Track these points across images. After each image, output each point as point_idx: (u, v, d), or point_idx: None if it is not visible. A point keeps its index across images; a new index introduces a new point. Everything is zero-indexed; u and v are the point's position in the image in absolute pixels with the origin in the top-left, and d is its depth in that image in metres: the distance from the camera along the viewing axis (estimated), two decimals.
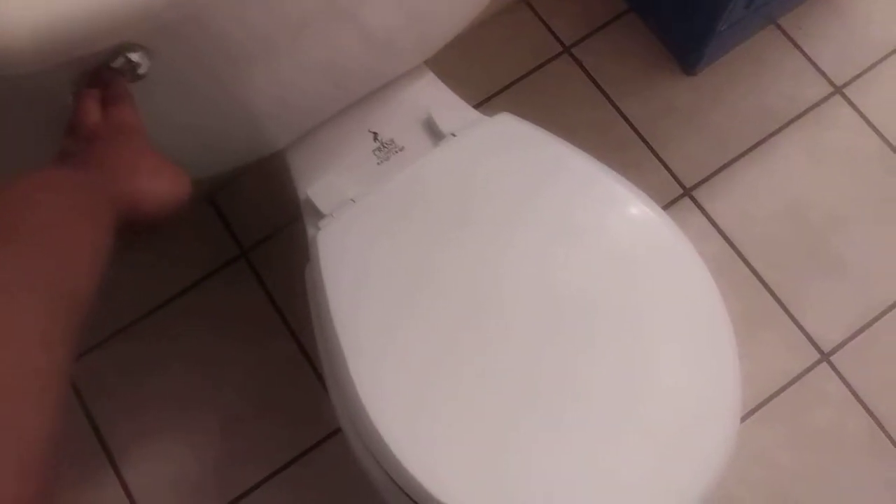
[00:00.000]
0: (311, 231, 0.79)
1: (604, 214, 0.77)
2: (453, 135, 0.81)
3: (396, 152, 0.83)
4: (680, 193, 1.28)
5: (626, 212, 0.77)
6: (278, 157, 0.85)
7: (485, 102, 1.32)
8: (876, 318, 1.21)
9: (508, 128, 0.80)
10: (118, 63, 0.55)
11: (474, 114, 0.83)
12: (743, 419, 1.13)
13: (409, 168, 0.79)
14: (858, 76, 1.35)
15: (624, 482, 0.67)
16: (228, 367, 1.18)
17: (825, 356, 1.19)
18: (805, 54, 1.36)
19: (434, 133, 0.83)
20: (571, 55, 1.36)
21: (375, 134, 0.84)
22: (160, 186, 0.51)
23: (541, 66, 1.36)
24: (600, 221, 0.76)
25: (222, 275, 1.24)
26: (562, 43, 1.37)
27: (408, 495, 0.68)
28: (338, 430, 1.14)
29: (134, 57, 0.55)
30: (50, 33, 0.50)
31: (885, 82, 1.34)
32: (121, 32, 0.53)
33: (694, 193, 1.28)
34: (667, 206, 1.27)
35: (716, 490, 0.71)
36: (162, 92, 0.61)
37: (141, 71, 0.56)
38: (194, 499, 1.12)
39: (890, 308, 1.22)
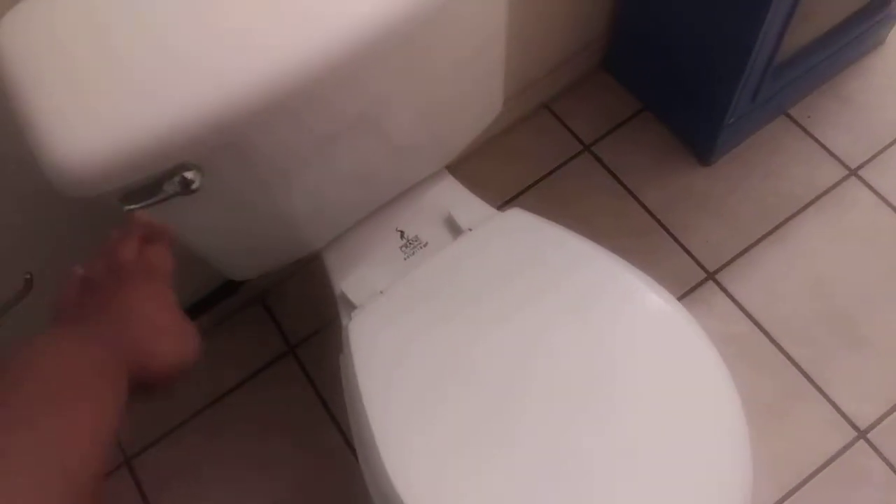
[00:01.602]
0: (345, 322, 0.87)
1: (615, 300, 0.83)
2: (470, 230, 0.89)
3: (421, 248, 0.92)
4: (703, 278, 1.33)
5: (638, 299, 0.83)
6: (320, 259, 0.95)
7: (512, 200, 1.41)
8: None
9: (519, 221, 0.89)
10: (175, 181, 0.66)
11: (490, 210, 0.92)
12: (782, 500, 1.14)
13: (430, 261, 0.87)
14: (872, 158, 1.40)
15: None
16: (279, 458, 1.25)
17: (862, 433, 1.19)
18: (817, 140, 1.43)
19: (454, 229, 0.92)
20: (591, 152, 1.46)
21: (402, 232, 0.93)
22: (172, 348, 0.50)
23: (563, 164, 1.45)
24: (612, 309, 0.82)
25: (273, 370, 1.32)
26: (581, 142, 1.47)
27: None
28: None
29: (189, 175, 0.66)
30: (115, 161, 0.60)
31: None
32: (176, 156, 0.63)
33: (717, 277, 1.33)
34: (691, 291, 1.32)
35: None
36: (212, 202, 0.72)
37: (194, 186, 0.67)
38: None
39: None
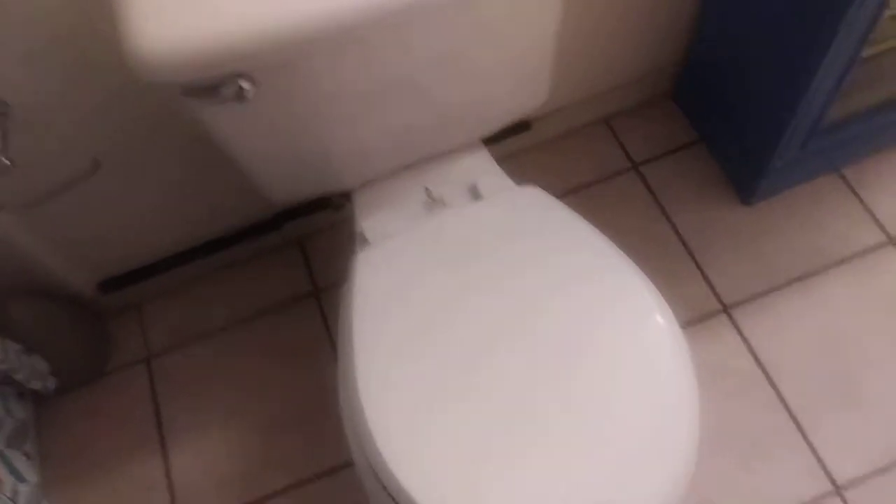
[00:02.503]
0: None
1: (596, 273, 0.89)
2: (486, 198, 0.96)
3: (442, 207, 0.99)
4: (718, 309, 1.36)
5: (616, 275, 0.89)
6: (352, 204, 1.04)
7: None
8: (895, 462, 1.21)
9: (534, 197, 0.95)
10: (231, 86, 0.75)
11: (511, 183, 0.99)
12: None
13: (445, 218, 0.95)
14: None
15: (592, 495, 0.76)
16: (280, 385, 1.34)
17: (838, 489, 1.20)
18: (863, 202, 1.44)
19: (476, 196, 0.99)
20: (638, 171, 1.51)
21: (428, 190, 1.01)
22: None
23: (609, 177, 1.51)
24: (590, 278, 0.88)
25: (295, 307, 1.42)
26: (631, 160, 1.52)
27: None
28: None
29: (244, 84, 0.75)
30: (186, 56, 0.70)
31: None
32: (236, 63, 0.73)
33: (732, 311, 1.35)
34: (703, 319, 1.35)
35: None
36: (260, 116, 0.81)
37: (247, 95, 0.76)
38: (220, 491, 1.26)
39: None
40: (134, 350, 1.39)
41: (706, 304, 1.36)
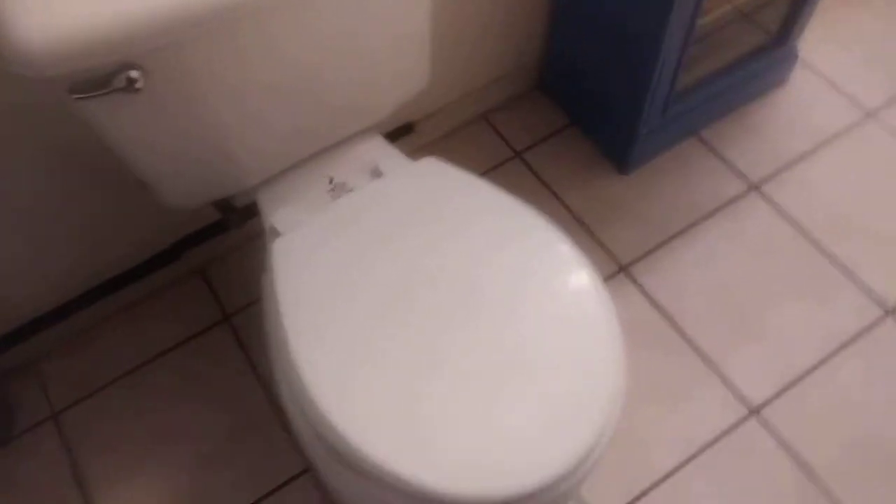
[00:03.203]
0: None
1: (510, 226, 0.93)
2: (388, 174, 1.00)
3: (347, 192, 1.01)
4: (616, 269, 1.44)
5: (522, 222, 0.93)
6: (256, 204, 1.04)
7: None
8: (799, 378, 1.32)
9: (433, 166, 0.99)
10: (122, 77, 0.75)
11: (408, 160, 1.03)
12: (678, 468, 1.23)
13: (350, 198, 0.97)
14: (772, 176, 1.55)
15: (516, 433, 0.78)
16: (202, 419, 1.29)
17: (754, 411, 1.29)
18: (723, 159, 1.58)
19: (378, 176, 1.01)
20: (522, 159, 1.59)
21: (331, 178, 1.03)
22: None
23: (496, 167, 1.58)
24: (505, 231, 0.92)
25: (207, 336, 1.38)
26: (513, 149, 1.60)
27: (336, 450, 0.79)
28: (298, 475, 1.23)
29: (134, 74, 0.75)
30: (59, 45, 0.69)
31: (795, 181, 1.54)
32: (123, 50, 0.73)
33: (630, 270, 1.44)
34: (605, 280, 1.42)
35: (606, 447, 0.81)
36: (154, 109, 0.81)
37: (138, 85, 0.76)
38: None
39: (811, 369, 1.33)
40: (38, 409, 1.30)
41: (606, 268, 1.44)
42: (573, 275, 0.89)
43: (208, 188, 0.97)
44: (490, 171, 1.57)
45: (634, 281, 1.43)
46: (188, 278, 1.43)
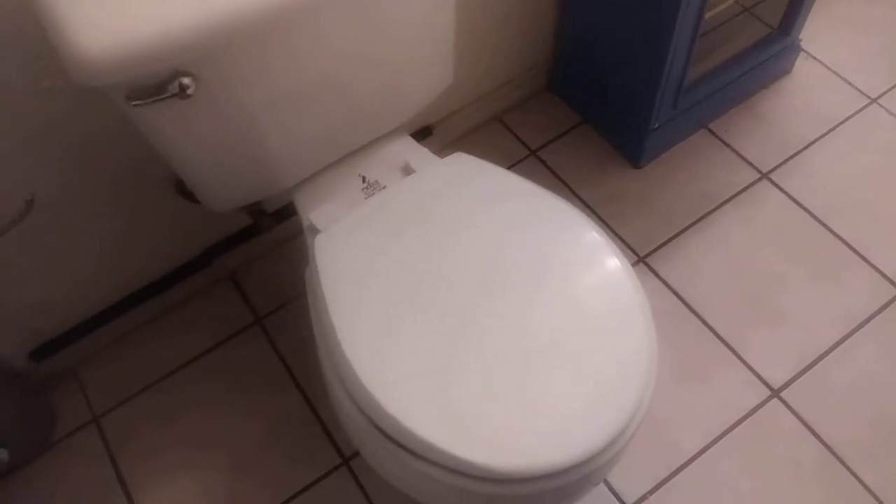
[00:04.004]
0: (310, 245, 0.99)
1: (534, 209, 0.97)
2: (418, 170, 1.04)
3: (380, 190, 1.05)
4: (635, 261, 1.48)
5: (555, 210, 0.97)
6: (292, 205, 1.08)
7: None
8: (818, 359, 1.35)
9: (464, 160, 1.04)
10: (175, 83, 0.79)
11: (437, 157, 1.07)
12: (704, 450, 1.26)
13: (384, 194, 1.01)
14: (781, 164, 1.59)
15: (550, 410, 0.81)
16: (238, 420, 1.32)
17: (776, 392, 1.32)
18: (733, 149, 1.62)
19: (408, 173, 1.06)
20: (537, 157, 1.63)
21: (364, 177, 1.07)
22: None
23: (513, 165, 1.62)
24: (532, 215, 0.96)
25: (239, 339, 1.42)
26: (528, 148, 1.64)
27: (381, 430, 0.82)
28: (332, 470, 1.27)
29: (186, 80, 0.80)
30: (116, 55, 0.73)
31: (804, 168, 1.58)
32: (176, 58, 0.77)
33: (647, 260, 1.48)
34: None
35: (636, 430, 0.84)
36: (203, 113, 0.85)
37: (189, 91, 0.80)
38: None
39: (830, 349, 1.36)
40: (79, 414, 1.34)
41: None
42: (606, 259, 0.93)
43: (250, 190, 1.01)
44: (510, 168, 1.60)
45: (653, 271, 1.46)
46: (220, 284, 1.47)
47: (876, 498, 1.22)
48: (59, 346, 1.33)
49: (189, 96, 0.81)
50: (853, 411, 1.30)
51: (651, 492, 1.24)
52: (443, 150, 1.63)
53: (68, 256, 1.22)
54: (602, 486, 1.24)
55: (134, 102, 0.79)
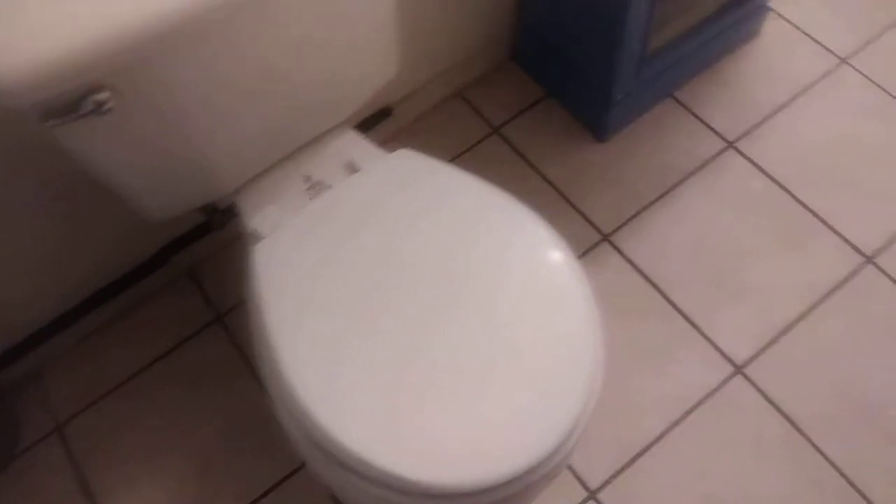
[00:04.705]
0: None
1: (486, 213, 0.95)
2: (363, 169, 1.01)
3: (324, 190, 1.02)
4: (599, 239, 1.46)
5: (498, 208, 0.95)
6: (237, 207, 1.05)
7: None
8: (782, 333, 1.35)
9: (408, 157, 1.01)
10: (91, 99, 0.76)
11: (382, 152, 1.04)
12: (668, 430, 1.26)
13: (327, 195, 0.98)
14: (747, 133, 1.56)
15: (496, 419, 0.80)
16: (203, 419, 1.32)
17: (739, 369, 1.32)
18: (699, 118, 1.59)
19: (353, 171, 1.03)
20: (500, 135, 1.59)
21: (308, 176, 1.04)
22: None
23: (475, 145, 1.58)
24: (481, 217, 0.94)
25: (201, 338, 1.40)
26: (491, 125, 1.60)
27: (321, 446, 0.81)
28: (299, 468, 1.26)
29: (102, 95, 0.76)
30: (22, 76, 0.70)
31: (772, 135, 1.56)
32: (90, 72, 0.73)
33: (612, 238, 1.46)
34: (588, 251, 1.44)
35: (584, 427, 0.83)
36: (126, 127, 0.82)
37: (108, 106, 0.77)
38: None
39: (794, 323, 1.36)
40: (42, 423, 1.33)
41: (588, 238, 1.46)
42: (548, 254, 0.91)
43: (188, 197, 0.99)
44: (469, 148, 1.57)
45: (617, 248, 1.45)
46: (178, 282, 1.45)
47: (840, 472, 1.23)
48: (19, 354, 1.31)
49: (108, 111, 0.77)
50: (818, 385, 1.30)
51: (615, 475, 1.24)
52: (401, 132, 1.59)
53: (19, 260, 1.19)
54: (566, 473, 1.24)
55: (47, 123, 0.76)
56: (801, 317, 1.36)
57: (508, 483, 0.76)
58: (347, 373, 0.83)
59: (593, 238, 1.46)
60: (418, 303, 0.88)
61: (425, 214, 0.95)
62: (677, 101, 1.61)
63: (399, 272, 0.90)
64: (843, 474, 1.23)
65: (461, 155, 1.57)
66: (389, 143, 1.57)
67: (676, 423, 1.28)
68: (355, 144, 1.07)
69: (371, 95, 1.08)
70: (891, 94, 1.60)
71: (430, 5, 1.41)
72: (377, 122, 1.53)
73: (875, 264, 1.41)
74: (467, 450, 0.78)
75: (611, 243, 1.45)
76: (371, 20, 0.96)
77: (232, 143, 0.95)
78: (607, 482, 1.24)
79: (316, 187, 1.03)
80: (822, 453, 1.25)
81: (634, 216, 1.48)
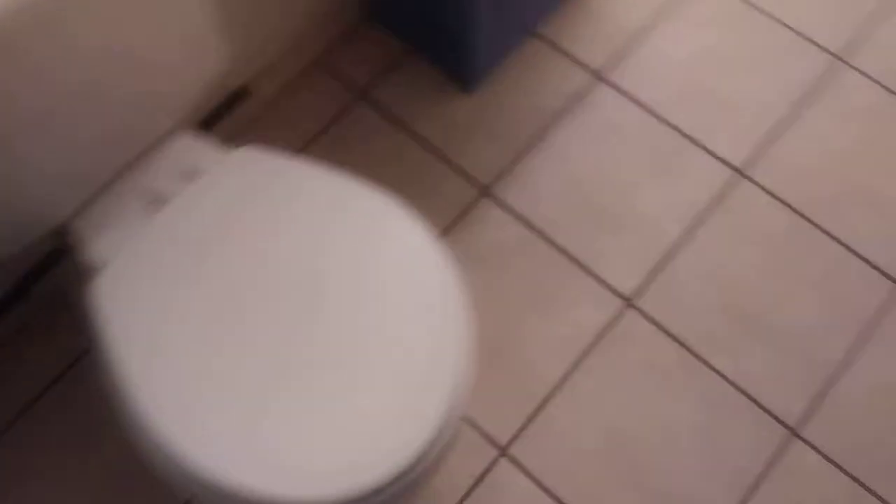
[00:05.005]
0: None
1: (328, 206, 0.91)
2: (204, 175, 0.95)
3: (163, 203, 0.97)
4: (478, 194, 1.44)
5: (350, 202, 0.92)
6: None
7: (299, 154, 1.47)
8: (666, 259, 1.37)
9: (249, 158, 0.96)
10: None
11: (222, 154, 0.98)
12: (568, 375, 1.27)
13: (170, 210, 0.93)
14: (614, 62, 1.55)
15: (364, 425, 0.79)
16: (87, 460, 1.25)
17: (629, 301, 1.34)
18: (565, 52, 1.56)
19: (192, 179, 0.97)
20: (367, 99, 1.54)
21: (145, 191, 0.98)
22: None
23: (341, 114, 1.52)
24: (327, 213, 0.91)
25: (77, 370, 1.32)
26: (356, 91, 1.54)
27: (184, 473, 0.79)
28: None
29: None
30: None
31: (638, 60, 1.55)
32: None
33: (492, 190, 1.44)
34: (470, 208, 1.43)
35: (456, 422, 0.83)
36: None
37: None
38: None
39: (677, 247, 1.38)
40: None
41: (468, 194, 1.44)
42: (407, 244, 0.89)
43: (17, 234, 0.92)
44: (337, 121, 1.52)
45: (498, 200, 1.43)
46: (44, 312, 1.37)
47: (736, 386, 1.28)
48: None
49: None
50: (703, 304, 1.33)
51: (523, 428, 1.26)
52: (263, 112, 1.52)
53: None
54: (474, 435, 1.25)
55: None
56: (683, 239, 1.38)
57: (377, 492, 0.75)
58: (209, 398, 0.80)
59: (474, 194, 1.44)
60: (278, 314, 0.84)
61: (275, 219, 0.90)
62: (541, 38, 1.58)
63: (254, 284, 0.86)
64: (738, 387, 1.27)
65: (330, 127, 1.51)
66: (253, 125, 1.50)
67: (575, 364, 1.30)
68: (192, 148, 1.01)
69: (199, 91, 1.02)
70: (746, 1, 1.60)
71: None
72: (235, 105, 1.46)
73: (747, 177, 1.44)
74: (331, 460, 0.76)
75: (490, 196, 1.44)
76: (179, 14, 0.89)
77: (51, 163, 0.87)
78: (516, 436, 1.25)
79: (156, 202, 0.97)
80: (717, 371, 1.29)
81: (512, 164, 1.47)
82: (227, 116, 1.45)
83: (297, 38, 1.50)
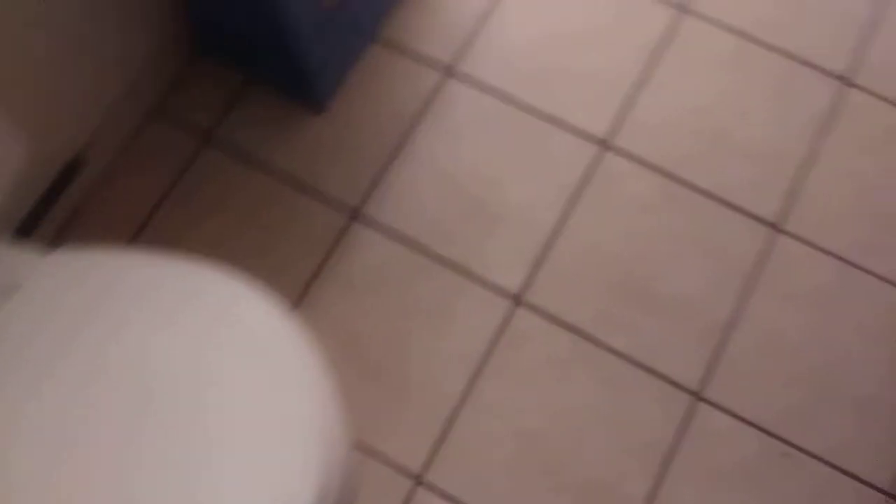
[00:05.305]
0: None
1: (155, 298, 0.85)
2: (20, 290, 0.88)
3: None
4: (348, 220, 1.38)
5: (179, 291, 0.86)
6: None
7: (146, 224, 1.38)
8: (546, 249, 1.35)
9: (65, 261, 0.88)
10: None
11: (38, 259, 0.90)
12: (470, 388, 1.25)
13: None
14: (461, 53, 1.50)
15: None
16: None
17: (518, 298, 1.32)
18: (410, 52, 1.51)
19: (9, 296, 0.89)
20: (213, 143, 1.45)
21: None
22: None
23: (188, 165, 1.44)
24: (156, 309, 0.84)
25: None
26: (200, 135, 1.46)
27: None
28: None
29: None
30: None
31: (484, 48, 1.51)
32: None
33: (362, 211, 1.39)
34: (342, 236, 1.37)
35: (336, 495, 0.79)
36: None
37: None
38: None
39: (555, 232, 1.36)
40: None
41: (337, 221, 1.38)
42: (249, 328, 0.83)
43: None
44: (185, 174, 1.43)
45: (368, 220, 1.38)
46: None
47: (634, 361, 1.28)
48: None
49: None
50: (589, 286, 1.32)
51: (434, 451, 1.23)
52: (105, 179, 1.42)
53: None
54: (385, 470, 1.22)
55: None
56: (559, 224, 1.37)
57: None
58: None
59: (344, 220, 1.39)
60: (117, 437, 0.78)
61: (105, 323, 0.84)
62: (383, 43, 1.53)
63: (87, 408, 0.80)
64: (634, 361, 1.27)
65: (178, 183, 1.43)
66: (97, 195, 1.41)
67: (474, 376, 1.27)
68: (5, 259, 0.92)
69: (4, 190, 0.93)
70: None
71: (64, 46, 1.22)
72: (70, 180, 1.36)
73: (613, 147, 1.42)
74: None
75: (361, 219, 1.39)
76: None
77: None
78: (429, 461, 1.23)
79: None
80: (610, 349, 1.28)
81: (378, 180, 1.42)
82: (65, 192, 1.36)
83: (124, 92, 1.41)
